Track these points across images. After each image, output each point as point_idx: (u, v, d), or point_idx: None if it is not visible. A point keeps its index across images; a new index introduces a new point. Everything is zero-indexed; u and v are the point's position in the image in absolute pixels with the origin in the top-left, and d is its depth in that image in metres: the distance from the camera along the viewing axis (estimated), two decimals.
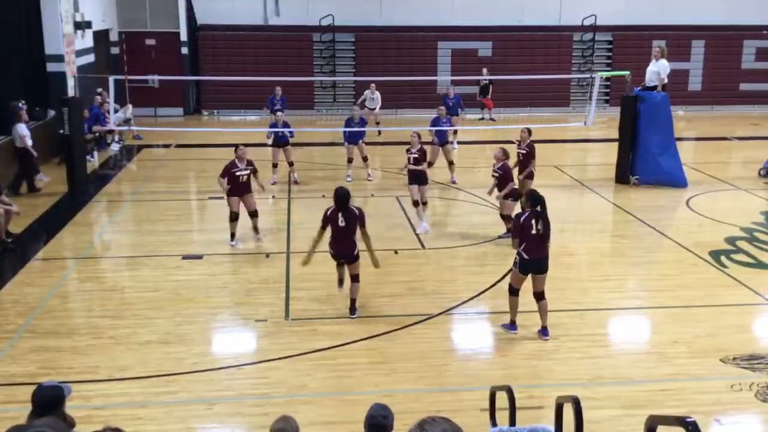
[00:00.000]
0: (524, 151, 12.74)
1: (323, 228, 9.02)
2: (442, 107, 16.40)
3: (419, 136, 12.66)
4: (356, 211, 8.94)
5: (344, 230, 8.89)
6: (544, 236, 8.40)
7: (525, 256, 8.38)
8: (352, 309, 9.14)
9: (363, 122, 16.30)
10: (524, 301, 9.62)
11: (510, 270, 9.22)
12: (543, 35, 25.36)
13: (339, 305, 9.44)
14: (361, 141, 15.98)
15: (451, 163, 15.98)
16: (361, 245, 9.05)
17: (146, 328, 8.72)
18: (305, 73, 23.81)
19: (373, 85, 21.15)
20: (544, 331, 8.58)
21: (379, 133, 20.42)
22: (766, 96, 25.70)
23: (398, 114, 23.59)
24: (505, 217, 11.61)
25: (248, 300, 9.65)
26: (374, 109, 21.04)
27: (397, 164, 17.55)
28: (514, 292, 8.68)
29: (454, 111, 19.08)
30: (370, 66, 23.98)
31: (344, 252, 9.04)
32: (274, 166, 15.60)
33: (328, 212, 8.93)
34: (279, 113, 16.03)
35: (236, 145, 11.71)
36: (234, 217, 11.56)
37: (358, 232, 8.96)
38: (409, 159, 12.47)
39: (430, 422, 3.31)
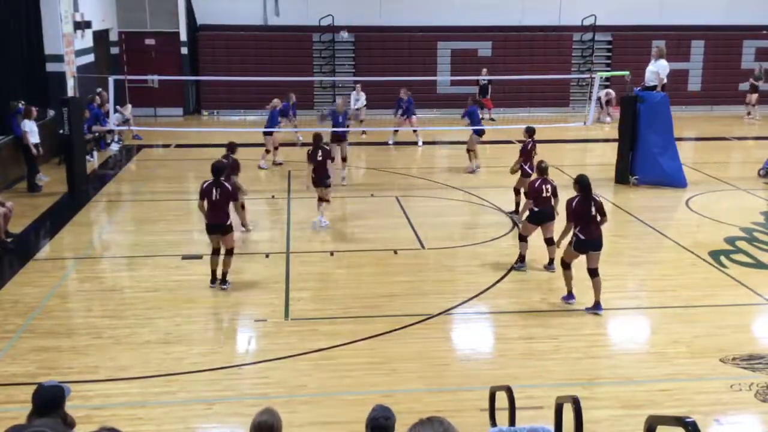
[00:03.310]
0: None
1: (201, 200, 9.67)
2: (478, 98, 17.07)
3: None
4: (228, 187, 9.68)
5: (216, 202, 9.57)
6: (597, 216, 8.96)
7: (581, 237, 8.95)
8: (224, 280, 9.84)
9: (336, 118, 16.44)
10: (519, 301, 9.66)
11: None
12: (543, 35, 25.36)
13: (339, 305, 9.45)
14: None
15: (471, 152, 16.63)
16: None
17: (146, 328, 8.72)
18: (305, 73, 23.82)
19: (358, 86, 21.47)
20: (597, 307, 9.13)
21: (363, 132, 20.60)
22: (766, 96, 25.67)
23: (398, 114, 23.55)
24: (521, 237, 10.78)
25: (248, 300, 9.65)
26: (359, 109, 21.24)
27: (397, 164, 17.57)
28: (566, 266, 9.29)
29: (410, 112, 19.66)
30: (369, 66, 23.98)
31: (217, 222, 9.63)
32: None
33: (204, 185, 9.68)
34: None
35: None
36: None
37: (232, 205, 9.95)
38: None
39: (423, 423, 3.32)
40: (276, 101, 17.43)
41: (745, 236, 12.30)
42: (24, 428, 4.18)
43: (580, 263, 9.29)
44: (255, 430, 4.45)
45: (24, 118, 14.84)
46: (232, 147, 12.22)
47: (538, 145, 13.23)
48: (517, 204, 13.13)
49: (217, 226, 9.68)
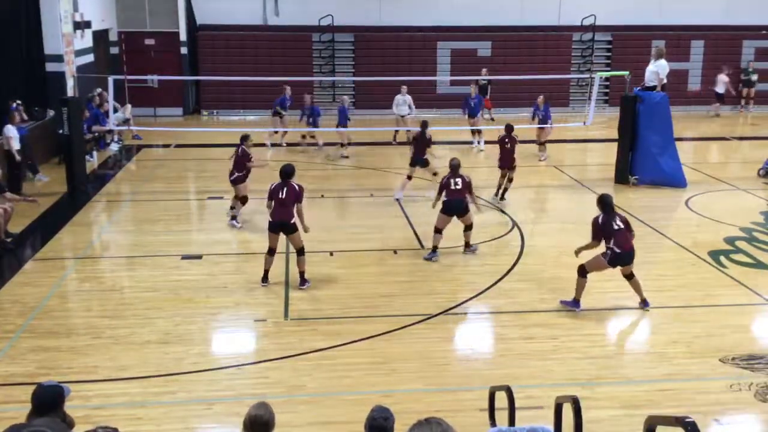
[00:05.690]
0: None
1: (269, 201, 9.88)
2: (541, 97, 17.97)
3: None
4: (296, 187, 9.80)
5: (283, 201, 9.73)
6: (626, 230, 9.08)
7: (617, 251, 9.00)
8: (303, 280, 9.94)
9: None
10: (519, 301, 9.67)
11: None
12: (542, 35, 25.36)
13: (339, 305, 9.45)
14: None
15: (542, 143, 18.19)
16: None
17: (145, 328, 8.72)
18: (305, 73, 23.81)
19: (404, 87, 19.80)
20: (645, 303, 9.35)
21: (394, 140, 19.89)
22: (766, 96, 25.70)
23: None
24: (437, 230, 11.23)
25: (248, 300, 9.65)
26: (404, 116, 19.79)
27: (397, 164, 17.60)
28: (584, 274, 9.24)
29: (477, 110, 19.46)
30: (369, 66, 23.98)
31: (280, 220, 9.75)
32: None
33: (272, 186, 9.89)
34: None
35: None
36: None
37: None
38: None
39: (422, 424, 3.32)
40: (345, 98, 18.96)
41: (745, 236, 12.30)
42: (23, 427, 4.18)
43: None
44: (249, 424, 4.46)
45: (7, 124, 14.53)
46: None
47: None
48: (499, 186, 14.52)
49: (281, 224, 9.77)
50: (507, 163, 14.24)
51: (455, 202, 11.11)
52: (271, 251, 9.97)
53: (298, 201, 9.77)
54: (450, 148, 19.65)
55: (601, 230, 9.09)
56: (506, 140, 14.28)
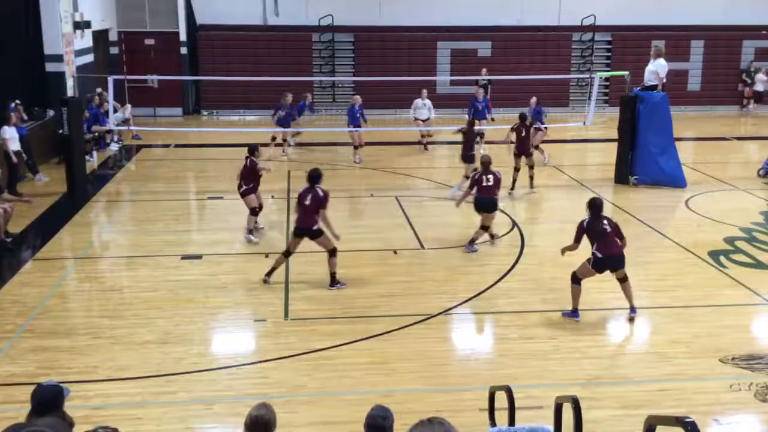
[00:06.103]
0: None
1: (297, 205, 9.91)
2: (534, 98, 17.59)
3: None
4: (320, 193, 9.74)
5: (308, 207, 9.71)
6: (613, 234, 8.88)
7: (598, 255, 8.84)
8: (332, 282, 9.92)
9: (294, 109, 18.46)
10: (519, 301, 9.67)
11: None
12: (542, 35, 25.36)
13: (339, 305, 9.45)
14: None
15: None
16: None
17: (145, 328, 8.71)
18: (304, 73, 23.81)
19: (424, 91, 19.63)
20: (632, 310, 9.08)
21: (425, 147, 19.32)
22: (765, 96, 25.69)
23: (397, 114, 23.55)
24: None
25: (247, 300, 9.65)
26: (426, 119, 19.42)
27: (397, 164, 17.60)
28: (576, 281, 9.07)
29: (482, 115, 19.19)
30: (369, 66, 23.98)
31: (304, 226, 9.75)
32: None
33: (300, 191, 9.93)
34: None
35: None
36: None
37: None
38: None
39: (424, 423, 3.32)
40: (357, 98, 18.42)
41: (745, 236, 12.30)
42: (23, 427, 4.18)
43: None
44: (251, 424, 4.45)
45: (3, 125, 14.44)
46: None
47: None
48: (514, 181, 14.89)
49: (305, 230, 9.76)
50: (524, 150, 14.79)
51: (486, 200, 11.32)
52: (287, 253, 10.02)
53: (321, 207, 9.69)
54: (449, 147, 19.67)
55: (585, 233, 8.97)
56: (521, 129, 14.74)
